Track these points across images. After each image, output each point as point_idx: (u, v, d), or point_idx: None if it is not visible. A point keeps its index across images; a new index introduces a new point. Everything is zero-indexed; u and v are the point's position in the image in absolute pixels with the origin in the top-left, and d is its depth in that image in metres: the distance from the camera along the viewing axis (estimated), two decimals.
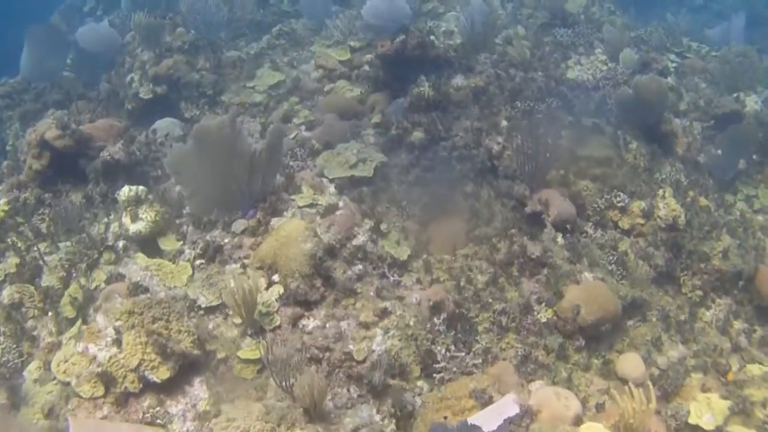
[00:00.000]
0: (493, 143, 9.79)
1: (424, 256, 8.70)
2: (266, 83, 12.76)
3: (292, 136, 10.81)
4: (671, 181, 10.22)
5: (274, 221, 8.41)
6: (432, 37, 11.73)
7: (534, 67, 11.98)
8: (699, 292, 9.31)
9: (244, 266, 7.98)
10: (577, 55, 13.44)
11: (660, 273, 9.21)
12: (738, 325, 9.26)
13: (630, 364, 8.16)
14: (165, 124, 11.58)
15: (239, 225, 8.40)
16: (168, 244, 8.77)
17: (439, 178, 9.71)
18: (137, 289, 7.77)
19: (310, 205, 8.79)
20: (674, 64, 13.92)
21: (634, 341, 8.57)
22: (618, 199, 9.39)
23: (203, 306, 7.70)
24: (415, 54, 11.04)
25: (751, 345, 9.03)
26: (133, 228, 8.64)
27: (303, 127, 11.03)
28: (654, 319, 8.83)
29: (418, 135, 10.03)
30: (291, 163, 9.82)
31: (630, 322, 8.72)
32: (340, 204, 8.82)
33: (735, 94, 13.29)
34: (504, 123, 10.26)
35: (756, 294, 9.49)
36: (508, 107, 10.63)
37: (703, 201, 10.52)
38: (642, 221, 9.34)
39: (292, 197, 8.87)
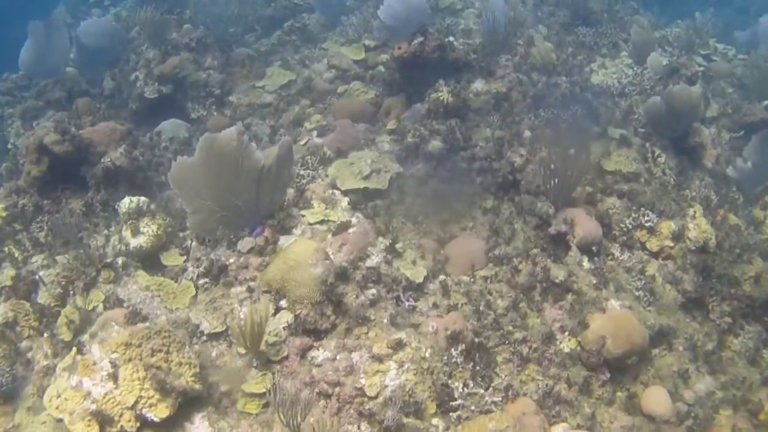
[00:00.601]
0: (515, 155, 9.29)
1: (441, 277, 8.24)
2: (276, 83, 12.28)
3: (303, 142, 10.33)
4: (701, 198, 9.71)
5: (283, 240, 7.93)
6: (451, 38, 11.16)
7: (557, 71, 11.40)
8: (728, 319, 8.82)
9: (250, 290, 7.52)
10: (601, 57, 12.87)
11: (688, 298, 8.71)
12: None
13: (656, 399, 7.71)
14: (170, 126, 11.12)
15: (245, 244, 7.92)
16: (170, 259, 8.31)
17: (458, 191, 9.24)
18: (136, 316, 7.30)
19: (321, 222, 8.30)
20: (701, 68, 13.32)
21: (659, 372, 8.11)
22: (646, 218, 8.89)
23: (206, 332, 7.24)
24: (433, 57, 10.49)
25: None
26: (134, 242, 8.18)
27: (314, 133, 10.53)
28: (681, 348, 8.37)
29: (436, 144, 9.52)
30: (302, 172, 9.35)
31: (656, 351, 8.26)
32: (353, 221, 8.34)
33: (765, 102, 12.70)
34: (527, 133, 9.73)
35: None
36: (531, 115, 10.09)
37: (732, 218, 10.05)
38: (671, 243, 8.84)
39: (302, 212, 8.39)
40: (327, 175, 9.34)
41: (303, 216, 8.36)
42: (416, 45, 10.37)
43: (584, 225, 8.44)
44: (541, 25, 13.62)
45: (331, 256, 7.68)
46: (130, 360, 6.33)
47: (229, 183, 7.65)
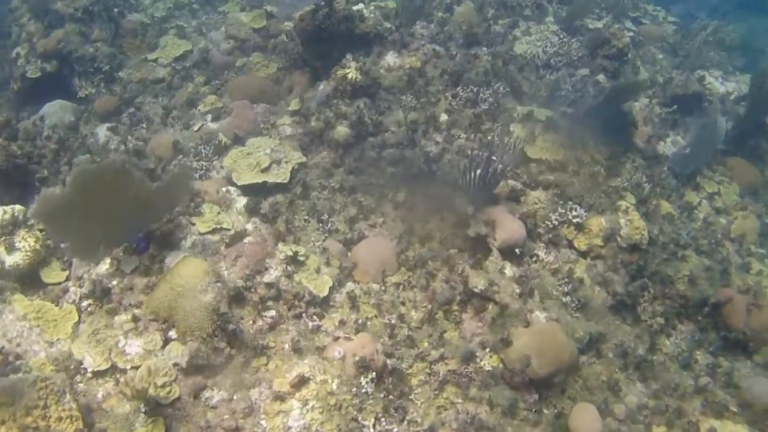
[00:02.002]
0: (430, 143, 8.45)
1: (349, 285, 7.46)
2: (171, 55, 11.24)
3: (196, 128, 9.28)
4: (632, 186, 9.10)
5: (171, 258, 6.96)
6: (361, 5, 10.12)
7: (478, 40, 10.52)
8: (660, 320, 8.35)
9: (135, 318, 6.53)
10: (525, 21, 12.02)
11: (619, 300, 8.15)
12: (702, 358, 8.33)
13: (584, 419, 7.11)
14: (55, 109, 10.07)
15: (129, 263, 6.90)
16: (52, 276, 7.26)
17: (366, 183, 8.38)
18: (8, 364, 6.18)
19: (214, 231, 7.36)
20: (630, 33, 12.69)
21: (588, 383, 7.53)
22: (574, 213, 8.22)
23: (90, 369, 6.23)
24: (340, 29, 9.43)
25: (715, 384, 8.10)
26: (10, 261, 7.06)
27: (209, 117, 9.47)
28: (610, 355, 7.83)
29: (342, 130, 8.60)
30: (195, 164, 8.52)
31: (584, 358, 7.67)
32: (249, 228, 7.49)
33: (697, 72, 12.19)
34: (444, 117, 8.87)
35: (723, 324, 8.58)
36: (449, 95, 9.21)
37: (665, 206, 9.54)
38: (601, 243, 8.21)
39: (193, 220, 7.40)
40: (223, 167, 8.50)
41: (193, 224, 7.39)
42: (321, 16, 9.27)
43: (506, 226, 7.70)
44: None
45: (225, 273, 6.88)
46: (3, 423, 5.32)
47: (108, 214, 6.49)
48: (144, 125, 10.06)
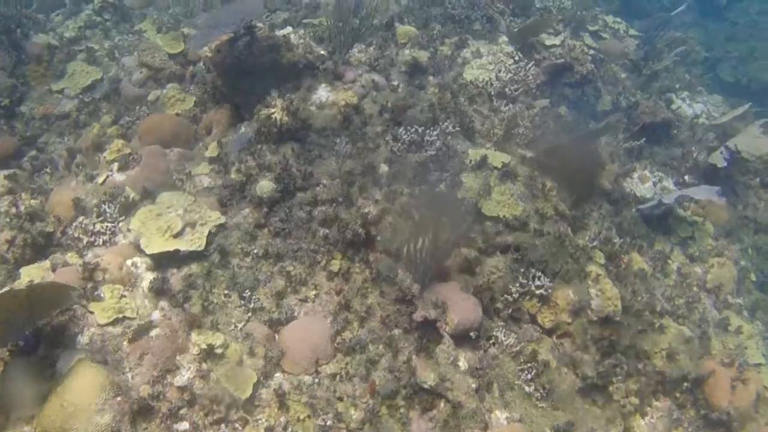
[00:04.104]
0: (368, 202, 7.26)
1: (277, 377, 6.36)
2: (78, 84, 9.82)
3: (101, 180, 8.00)
4: (601, 241, 8.08)
5: (63, 361, 5.70)
6: (288, 30, 8.84)
7: (422, 66, 9.36)
8: (634, 399, 7.35)
9: None
10: (475, 39, 10.89)
11: (589, 384, 7.13)
12: None
13: None
14: None
15: (16, 367, 5.64)
16: None
17: (295, 248, 7.18)
18: None
19: (115, 321, 6.18)
20: (591, 51, 11.67)
21: None
22: (537, 283, 7.14)
23: None
24: (263, 61, 8.15)
25: None
26: None
27: (115, 166, 8.15)
28: None
29: (266, 185, 7.37)
30: (98, 227, 7.40)
31: None
32: (156, 317, 6.35)
33: (664, 94, 11.27)
34: (384, 168, 7.69)
35: (704, 401, 7.67)
36: (389, 137, 8.03)
37: (637, 259, 8.61)
38: (569, 319, 7.15)
39: (91, 307, 6.17)
40: (130, 229, 7.34)
41: (92, 313, 6.20)
42: (240, 46, 7.97)
43: (459, 308, 6.58)
44: None
45: (128, 376, 5.80)
46: None
47: None
48: (48, 169, 8.72)
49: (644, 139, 10.15)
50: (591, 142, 8.62)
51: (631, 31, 13.18)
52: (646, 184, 10.11)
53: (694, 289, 9.19)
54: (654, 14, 14.87)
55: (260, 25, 8.26)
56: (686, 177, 10.59)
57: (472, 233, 7.31)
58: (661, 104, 10.81)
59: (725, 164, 10.41)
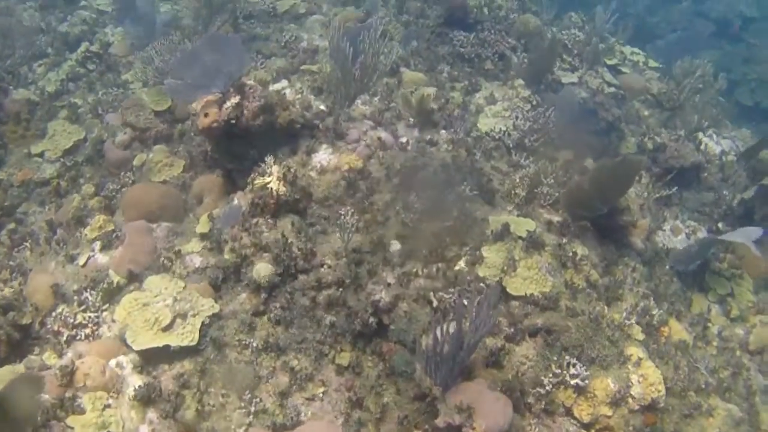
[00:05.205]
0: (379, 287, 6.48)
1: None
2: (60, 147, 9.05)
3: (82, 261, 7.26)
4: (639, 313, 7.30)
5: None
6: (283, 84, 8.07)
7: (434, 119, 8.59)
8: None
9: None
10: (488, 81, 10.14)
11: None
12: None
13: None
14: None
15: None
16: None
17: (298, 339, 6.42)
18: None
19: None
20: (611, 88, 10.90)
21: None
22: (573, 371, 6.34)
23: None
24: (255, 124, 7.37)
25: None
26: None
27: (97, 245, 7.42)
28: None
29: (263, 269, 6.62)
30: (79, 318, 6.81)
31: None
32: None
33: (693, 134, 10.49)
34: (395, 245, 6.91)
35: None
36: (399, 206, 7.25)
37: (675, 327, 7.81)
38: (609, 411, 6.34)
39: (70, 422, 5.47)
40: (115, 320, 6.70)
41: (71, 428, 5.54)
42: (230, 109, 7.21)
43: (487, 411, 5.78)
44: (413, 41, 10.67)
45: None
46: None
47: None
48: (28, 244, 8.03)
49: (676, 188, 9.37)
50: (618, 189, 7.78)
51: (651, 63, 12.41)
52: (678, 237, 9.34)
53: (737, 353, 8.39)
54: (666, 36, 14.16)
55: (251, 82, 7.49)
56: (720, 224, 9.80)
57: (498, 318, 6.53)
58: (690, 146, 10.02)
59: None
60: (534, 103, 9.57)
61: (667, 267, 8.71)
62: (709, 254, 8.95)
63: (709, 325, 8.45)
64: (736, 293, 9.05)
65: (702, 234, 9.62)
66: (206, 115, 7.25)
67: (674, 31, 15.72)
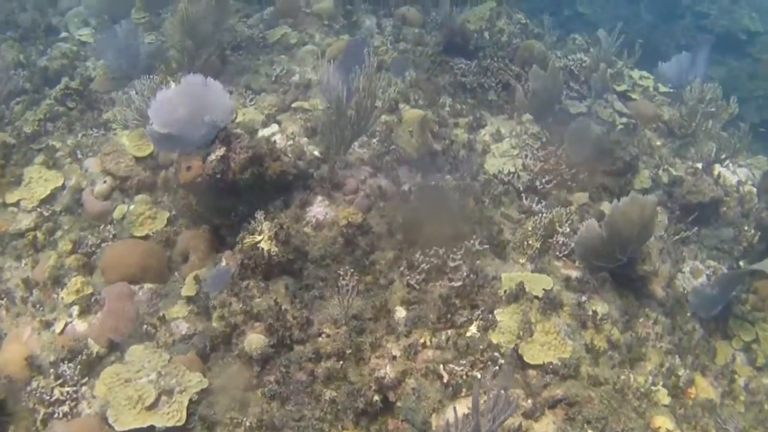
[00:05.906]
0: (384, 362, 5.91)
1: None
2: (36, 195, 8.38)
3: (59, 329, 6.76)
4: (663, 373, 6.75)
5: None
6: (274, 129, 7.51)
7: (436, 162, 8.04)
8: None
9: None
10: (493, 115, 9.59)
11: None
12: None
13: None
14: None
15: None
16: None
17: (297, 416, 5.86)
18: None
19: None
20: (623, 119, 10.37)
21: None
22: None
23: None
24: (243, 177, 6.80)
25: None
26: None
27: (75, 311, 6.86)
28: None
29: (256, 340, 6.06)
30: (55, 394, 6.30)
31: None
32: None
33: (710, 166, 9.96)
34: (400, 312, 6.34)
35: None
36: (404, 266, 6.68)
37: (701, 384, 7.26)
38: None
39: None
40: (95, 396, 6.18)
41: None
42: (215, 162, 6.64)
43: None
44: (409, 71, 10.11)
45: None
46: None
47: None
48: (3, 302, 7.49)
49: (696, 228, 8.82)
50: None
51: (662, 88, 11.89)
52: (699, 279, 8.78)
53: (765, 407, 7.84)
54: (672, 58, 13.65)
55: (237, 131, 6.93)
56: (741, 262, 9.25)
57: (515, 391, 5.96)
58: (708, 180, 9.47)
59: None
60: (544, 140, 9.01)
61: (689, 314, 8.16)
62: (731, 296, 8.42)
63: (736, 377, 7.90)
64: (761, 338, 8.50)
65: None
66: (188, 168, 6.69)
67: (678, 49, 15.11)
